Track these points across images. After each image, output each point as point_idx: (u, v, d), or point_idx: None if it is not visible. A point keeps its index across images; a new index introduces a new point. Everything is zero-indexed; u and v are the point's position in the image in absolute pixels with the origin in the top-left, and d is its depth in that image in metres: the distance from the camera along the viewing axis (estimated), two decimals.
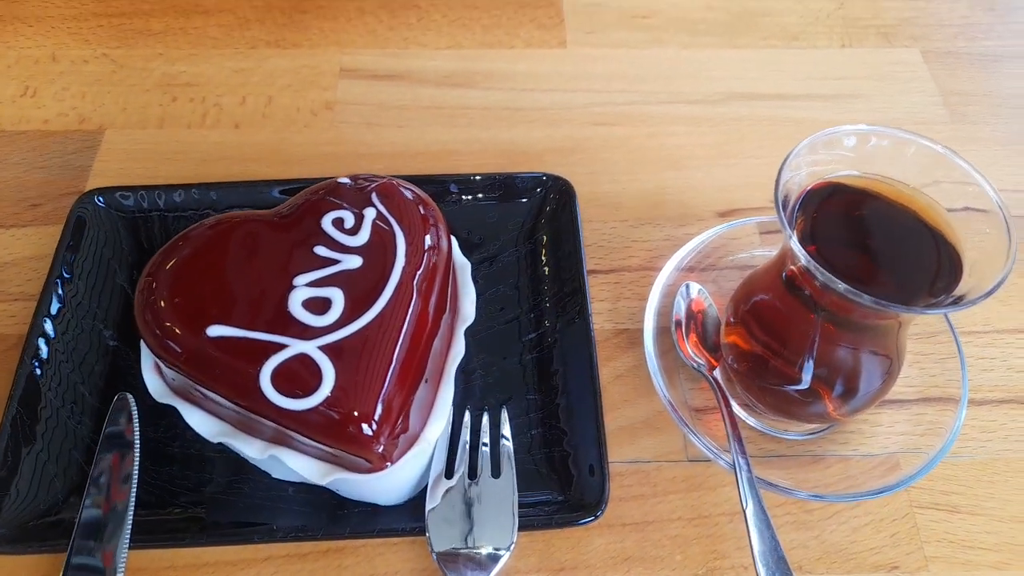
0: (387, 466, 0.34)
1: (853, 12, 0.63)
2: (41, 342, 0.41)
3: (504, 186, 0.48)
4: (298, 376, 0.33)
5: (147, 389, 0.37)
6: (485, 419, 0.41)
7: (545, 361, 0.43)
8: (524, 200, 0.48)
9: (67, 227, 0.45)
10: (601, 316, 0.47)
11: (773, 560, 0.35)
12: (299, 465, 0.35)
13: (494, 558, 0.36)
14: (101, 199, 0.46)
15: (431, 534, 0.36)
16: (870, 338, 0.37)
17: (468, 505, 0.37)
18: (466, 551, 0.36)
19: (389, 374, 0.33)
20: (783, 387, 0.40)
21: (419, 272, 0.36)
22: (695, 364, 0.43)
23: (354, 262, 0.36)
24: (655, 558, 0.39)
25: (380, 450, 0.33)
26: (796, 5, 0.63)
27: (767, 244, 0.48)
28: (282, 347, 0.33)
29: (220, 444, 0.40)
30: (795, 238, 0.32)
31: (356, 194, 0.38)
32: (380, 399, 0.33)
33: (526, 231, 0.48)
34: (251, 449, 0.36)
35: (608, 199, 0.52)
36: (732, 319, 0.42)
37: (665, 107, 0.57)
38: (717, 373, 0.42)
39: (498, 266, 0.47)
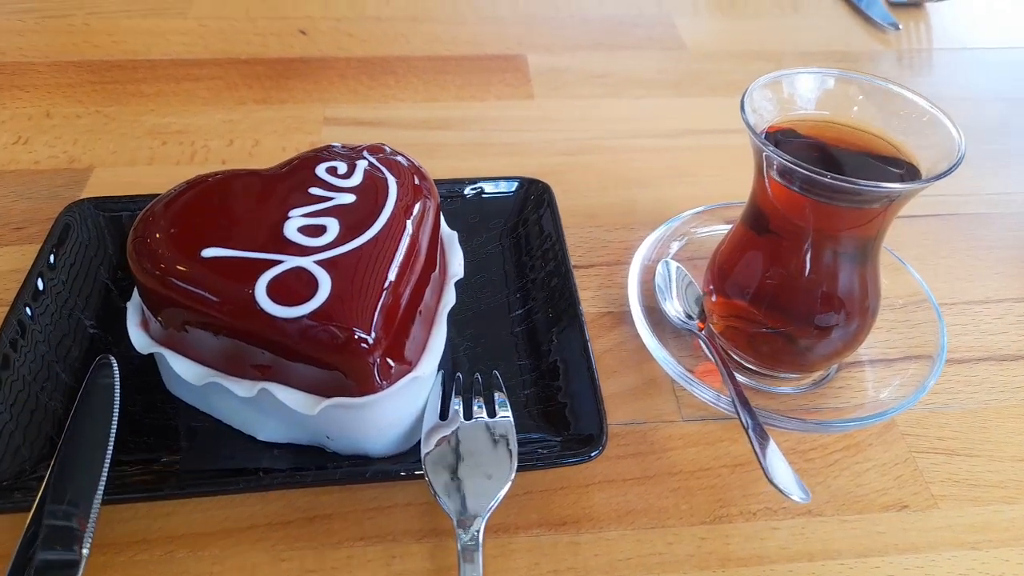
0: (382, 386, 0.33)
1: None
2: (17, 323, 0.40)
3: (484, 189, 0.51)
4: (294, 286, 0.33)
5: (132, 345, 0.37)
6: (478, 377, 0.40)
7: (534, 331, 0.43)
8: (505, 199, 0.50)
9: (54, 229, 0.45)
10: (585, 303, 0.47)
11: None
12: (290, 398, 0.34)
13: (493, 492, 0.34)
14: (90, 206, 0.47)
15: (430, 475, 0.35)
16: (845, 264, 0.38)
17: (465, 445, 0.36)
18: (463, 490, 0.34)
19: (385, 287, 0.34)
20: (768, 330, 0.40)
21: (412, 209, 0.37)
22: (684, 324, 0.44)
23: (348, 199, 0.37)
24: (660, 509, 0.38)
25: (375, 364, 0.33)
26: (738, 67, 0.71)
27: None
28: (277, 263, 0.33)
29: (201, 416, 0.39)
30: (768, 143, 0.35)
31: (348, 152, 0.40)
32: (376, 309, 0.33)
33: (508, 228, 0.50)
34: (240, 388, 0.34)
35: (582, 210, 0.54)
36: (711, 284, 0.43)
37: (626, 141, 0.61)
38: (705, 334, 0.43)
39: (482, 257, 0.48)
